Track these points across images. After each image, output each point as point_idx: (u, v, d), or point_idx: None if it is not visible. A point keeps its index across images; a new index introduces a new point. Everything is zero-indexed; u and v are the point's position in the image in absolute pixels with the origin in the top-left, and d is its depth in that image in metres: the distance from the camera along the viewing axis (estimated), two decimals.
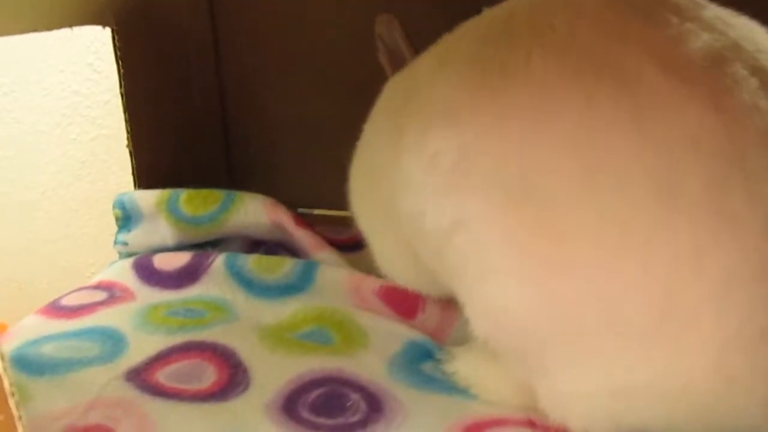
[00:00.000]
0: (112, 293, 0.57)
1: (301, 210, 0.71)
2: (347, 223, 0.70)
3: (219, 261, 0.58)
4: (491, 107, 0.40)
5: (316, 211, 0.75)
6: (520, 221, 0.38)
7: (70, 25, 0.58)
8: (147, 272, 0.59)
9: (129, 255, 0.61)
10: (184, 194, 0.62)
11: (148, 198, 0.62)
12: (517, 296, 0.38)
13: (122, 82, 0.62)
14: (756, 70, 0.36)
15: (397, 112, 0.47)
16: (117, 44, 0.61)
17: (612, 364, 0.37)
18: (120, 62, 0.61)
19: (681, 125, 0.35)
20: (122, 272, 0.59)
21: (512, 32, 0.41)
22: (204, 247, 0.63)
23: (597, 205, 0.36)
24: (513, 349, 0.41)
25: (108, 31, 0.61)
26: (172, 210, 0.62)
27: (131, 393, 0.44)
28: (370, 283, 0.56)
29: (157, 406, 0.43)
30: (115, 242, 0.63)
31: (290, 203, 0.67)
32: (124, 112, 0.63)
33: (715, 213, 0.34)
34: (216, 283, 0.57)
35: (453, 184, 0.41)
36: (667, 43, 0.37)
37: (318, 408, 0.44)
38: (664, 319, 0.35)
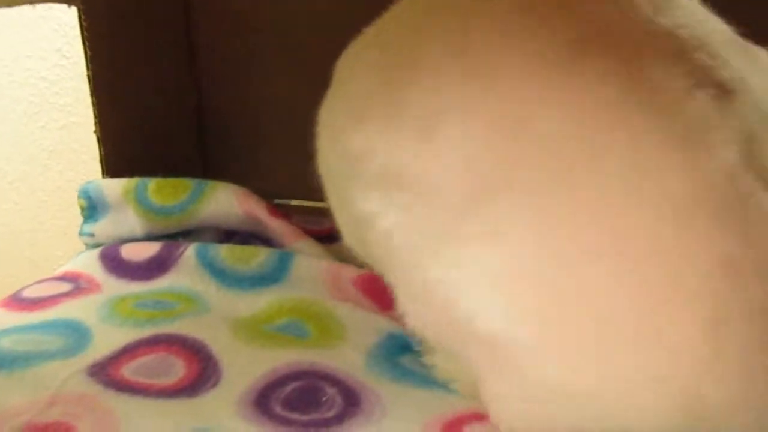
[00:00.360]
0: (78, 285, 0.54)
1: (278, 201, 0.69)
2: (326, 213, 0.68)
3: (190, 251, 0.56)
4: (390, 102, 0.39)
5: (294, 202, 0.73)
6: (418, 223, 0.37)
7: (32, 2, 0.55)
8: (114, 263, 0.56)
9: (96, 246, 0.59)
10: (152, 183, 0.60)
11: (115, 187, 0.60)
12: (426, 300, 0.38)
13: (89, 65, 0.60)
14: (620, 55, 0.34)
15: (332, 93, 0.46)
16: (83, 24, 0.58)
17: (521, 369, 0.35)
18: (86, 43, 0.59)
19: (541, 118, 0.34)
20: (88, 263, 0.57)
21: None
22: (175, 238, 0.60)
23: (477, 208, 0.35)
24: (443, 348, 0.40)
25: (74, 10, 0.59)
26: (140, 200, 0.60)
27: (94, 388, 0.42)
28: (349, 273, 0.54)
29: (121, 402, 0.41)
30: (81, 233, 0.61)
31: (267, 193, 0.65)
32: (91, 96, 0.60)
33: (601, 219, 0.32)
34: (187, 274, 0.55)
35: (362, 177, 0.40)
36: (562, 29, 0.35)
37: (292, 403, 0.42)
38: (551, 327, 0.33)
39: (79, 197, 0.61)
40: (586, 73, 0.33)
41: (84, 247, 0.62)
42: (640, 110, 0.32)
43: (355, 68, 0.44)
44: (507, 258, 0.34)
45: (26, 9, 0.79)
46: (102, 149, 0.63)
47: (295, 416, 0.41)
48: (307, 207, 0.71)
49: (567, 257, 0.33)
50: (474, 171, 0.35)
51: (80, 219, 0.62)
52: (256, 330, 0.50)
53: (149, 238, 0.60)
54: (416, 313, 0.40)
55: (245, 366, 0.45)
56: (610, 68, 0.33)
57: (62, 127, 0.84)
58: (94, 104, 0.61)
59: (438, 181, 0.36)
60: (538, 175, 0.33)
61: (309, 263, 0.56)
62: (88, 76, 0.60)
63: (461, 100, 0.36)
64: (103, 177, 0.64)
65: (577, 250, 0.33)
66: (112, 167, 0.64)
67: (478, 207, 0.35)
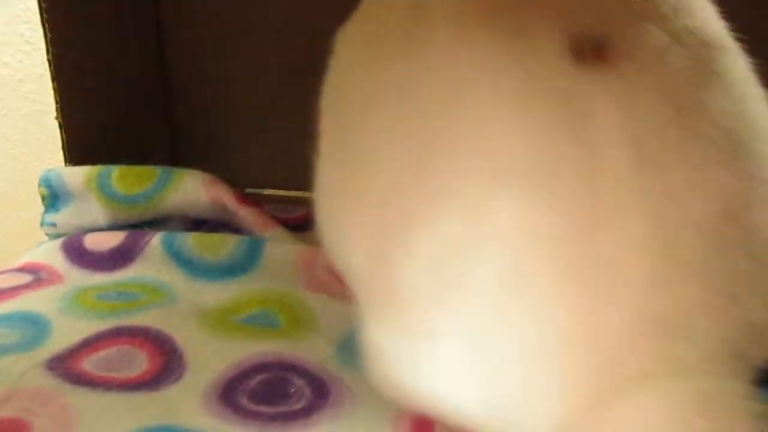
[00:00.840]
0: (38, 276, 0.52)
1: (249, 190, 0.68)
2: (299, 202, 0.66)
3: (156, 240, 0.54)
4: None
5: (266, 191, 0.71)
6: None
7: None
8: (77, 253, 0.54)
9: (58, 236, 0.57)
10: (116, 171, 0.58)
11: (77, 175, 0.58)
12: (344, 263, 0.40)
13: (49, 48, 0.57)
14: None
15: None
16: (43, 5, 0.56)
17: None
18: (46, 25, 0.56)
19: None
20: (50, 254, 0.55)
21: None
22: (140, 227, 0.59)
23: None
24: None
25: None
26: (103, 188, 0.58)
27: (52, 382, 0.40)
28: (323, 259, 0.52)
29: (80, 397, 0.39)
30: (42, 223, 0.59)
31: (239, 182, 0.63)
32: (52, 81, 0.58)
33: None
34: (153, 264, 0.53)
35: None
36: None
37: (258, 395, 0.41)
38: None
39: (39, 186, 0.59)
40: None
41: (46, 237, 0.60)
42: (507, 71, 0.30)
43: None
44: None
45: None
46: (64, 136, 0.60)
47: (262, 408, 0.40)
48: (280, 196, 0.70)
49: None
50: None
51: None
52: (224, 321, 0.48)
53: (113, 227, 0.58)
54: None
55: (211, 358, 0.44)
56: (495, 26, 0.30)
57: (26, 116, 0.82)
58: (55, 89, 0.59)
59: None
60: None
61: (281, 251, 0.54)
62: (49, 60, 0.58)
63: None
64: (66, 165, 0.62)
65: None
66: (75, 155, 0.62)
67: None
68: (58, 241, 0.56)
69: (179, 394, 0.41)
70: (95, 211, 0.58)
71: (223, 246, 0.54)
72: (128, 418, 0.38)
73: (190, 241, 0.54)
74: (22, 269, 0.53)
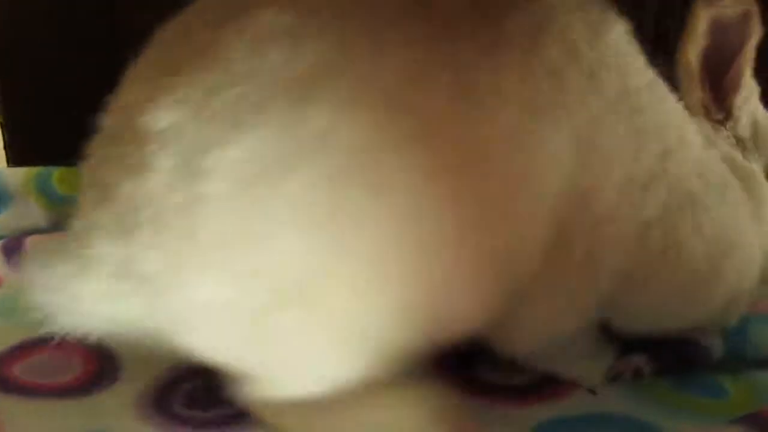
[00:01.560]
0: None
1: None
2: None
3: None
4: None
5: None
6: None
7: None
8: (17, 256, 0.53)
9: None
10: (57, 172, 0.57)
11: (16, 176, 0.57)
12: None
13: None
14: None
15: None
16: None
17: None
18: None
19: None
20: None
21: None
22: None
23: None
24: None
25: None
26: (43, 189, 0.57)
27: None
28: None
29: (7, 404, 0.39)
30: None
31: None
32: None
33: None
34: None
35: None
36: None
37: (193, 400, 0.40)
38: None
39: None
40: None
41: None
42: None
43: None
44: None
45: None
46: (6, 136, 0.59)
47: (195, 413, 0.39)
48: None
49: None
50: None
51: None
52: None
53: (57, 229, 0.57)
54: None
55: (146, 363, 0.43)
56: None
57: None
58: None
59: None
60: None
61: None
62: None
63: None
64: (9, 166, 0.61)
65: None
66: (18, 156, 0.60)
67: None
68: None
69: (112, 400, 0.40)
70: (36, 213, 0.57)
71: None
72: (58, 424, 0.38)
73: None
74: None
